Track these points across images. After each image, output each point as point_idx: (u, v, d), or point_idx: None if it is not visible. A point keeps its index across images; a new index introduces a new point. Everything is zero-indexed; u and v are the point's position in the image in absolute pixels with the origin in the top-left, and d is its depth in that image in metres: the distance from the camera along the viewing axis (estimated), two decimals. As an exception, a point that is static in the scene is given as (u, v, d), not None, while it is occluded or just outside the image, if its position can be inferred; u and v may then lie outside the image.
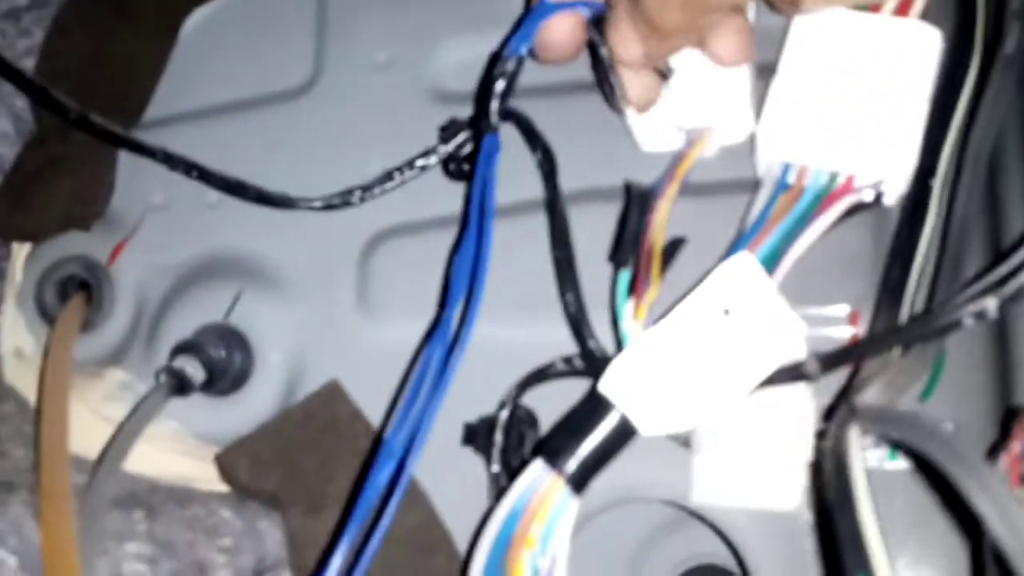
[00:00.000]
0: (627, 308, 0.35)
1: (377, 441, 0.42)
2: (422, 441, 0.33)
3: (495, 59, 0.38)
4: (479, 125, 0.40)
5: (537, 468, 0.32)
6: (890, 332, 0.32)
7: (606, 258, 0.40)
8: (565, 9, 0.37)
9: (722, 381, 0.32)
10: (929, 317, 0.29)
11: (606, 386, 0.32)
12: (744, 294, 0.32)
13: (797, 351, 0.33)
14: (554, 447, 0.32)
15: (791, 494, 0.36)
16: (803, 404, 0.36)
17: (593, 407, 0.32)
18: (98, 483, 0.37)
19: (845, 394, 0.32)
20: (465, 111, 0.45)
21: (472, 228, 0.36)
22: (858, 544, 0.24)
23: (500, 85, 0.37)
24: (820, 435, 0.35)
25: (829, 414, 0.36)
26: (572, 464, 0.32)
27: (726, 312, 0.32)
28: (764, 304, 0.32)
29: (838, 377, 0.37)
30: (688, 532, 0.45)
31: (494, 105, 0.37)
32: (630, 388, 0.32)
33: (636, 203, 0.37)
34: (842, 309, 0.38)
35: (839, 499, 0.26)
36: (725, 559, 0.44)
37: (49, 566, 0.33)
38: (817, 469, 0.36)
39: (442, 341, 0.34)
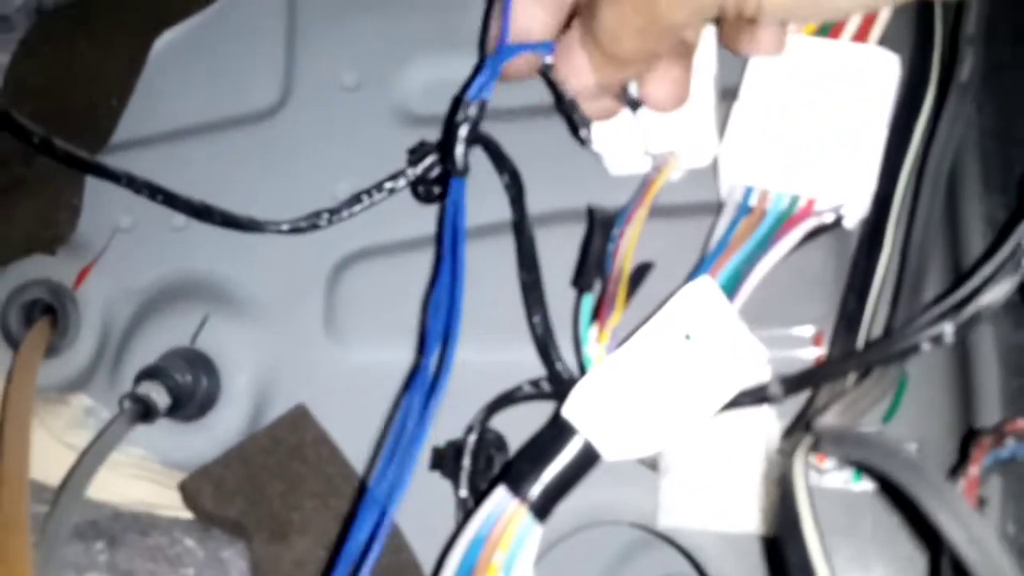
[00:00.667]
0: (590, 332, 0.35)
1: (352, 479, 0.41)
2: (404, 489, 0.33)
3: (457, 103, 0.37)
4: (445, 167, 0.40)
5: (500, 495, 0.32)
6: (850, 356, 0.32)
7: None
8: (526, 52, 0.36)
9: (684, 405, 0.32)
10: (888, 341, 0.29)
11: (569, 411, 0.32)
12: (705, 318, 0.32)
13: (758, 375, 0.33)
14: (517, 473, 0.32)
15: (756, 516, 0.36)
16: (767, 426, 0.37)
17: (556, 433, 0.32)
18: (59, 512, 0.37)
19: (801, 419, 0.32)
20: (433, 133, 0.46)
21: (445, 274, 0.36)
22: (807, 572, 0.24)
23: (464, 130, 0.37)
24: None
25: (786, 438, 0.36)
26: (535, 490, 0.31)
27: (687, 336, 0.32)
28: (725, 329, 0.32)
29: (802, 399, 0.37)
30: (656, 553, 0.45)
31: (459, 149, 0.37)
32: (593, 413, 0.32)
33: (599, 228, 0.37)
34: (807, 330, 0.39)
35: (786, 527, 0.26)
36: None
37: (6, 601, 0.33)
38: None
39: (421, 390, 0.34)
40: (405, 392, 0.36)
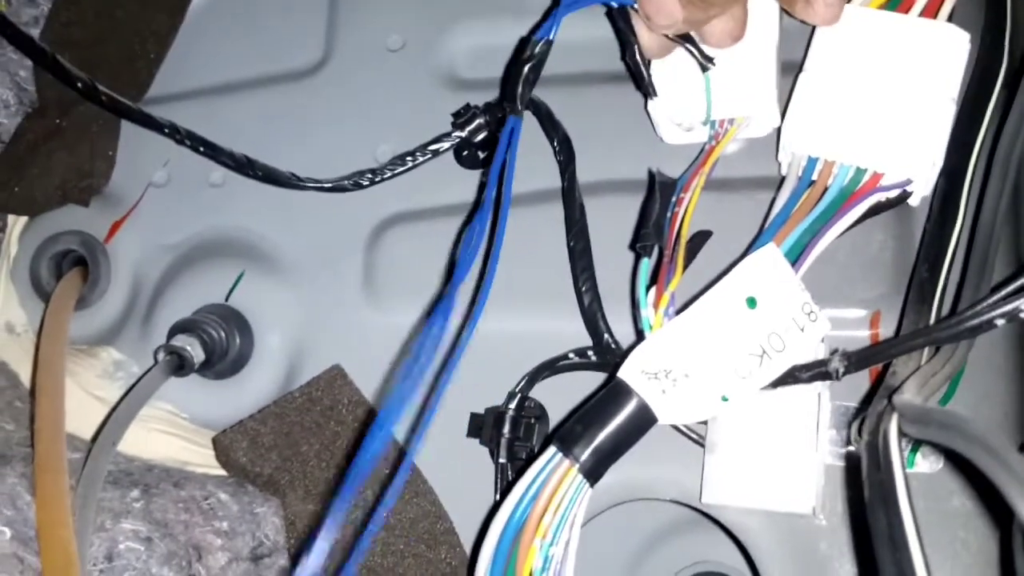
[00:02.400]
0: (649, 296, 0.34)
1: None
2: (428, 422, 0.32)
3: (524, 42, 0.37)
4: (504, 106, 0.39)
5: (551, 455, 0.31)
6: (920, 332, 0.31)
7: (624, 248, 0.40)
8: None
9: (743, 372, 0.31)
10: (960, 317, 0.28)
11: (627, 373, 0.31)
12: (769, 286, 0.32)
13: (818, 347, 0.32)
14: (569, 434, 0.31)
15: (805, 496, 0.35)
16: (819, 406, 0.36)
17: (612, 394, 0.31)
18: (95, 458, 0.36)
19: (878, 394, 0.31)
20: (477, 98, 0.45)
21: (487, 206, 0.35)
22: (896, 542, 0.24)
23: (527, 68, 0.36)
24: (856, 434, 0.35)
25: (859, 415, 0.35)
26: (587, 453, 0.31)
27: (750, 304, 0.31)
28: (789, 297, 0.32)
29: (857, 381, 0.36)
30: (690, 537, 0.44)
31: (520, 89, 0.37)
32: (651, 376, 0.31)
33: (660, 191, 0.36)
34: (863, 311, 0.38)
35: (877, 496, 0.25)
36: (725, 567, 0.44)
37: (44, 540, 0.32)
38: (853, 470, 0.35)
39: (443, 314, 0.33)
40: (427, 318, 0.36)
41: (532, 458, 0.33)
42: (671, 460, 0.38)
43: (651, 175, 0.37)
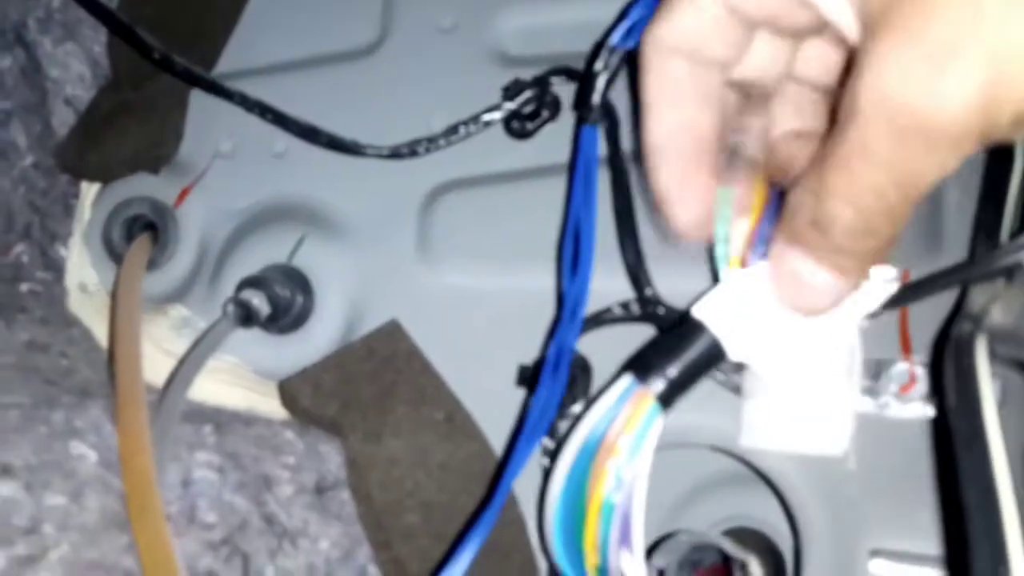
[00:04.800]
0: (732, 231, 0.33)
1: (442, 390, 0.43)
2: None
3: (599, 48, 0.38)
4: (578, 113, 0.41)
5: (627, 381, 0.32)
6: (946, 273, 0.33)
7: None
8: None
9: (814, 320, 0.32)
10: (992, 255, 0.30)
11: (700, 310, 0.33)
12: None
13: (886, 297, 0.33)
14: (645, 362, 0.32)
15: (838, 440, 0.37)
16: (852, 352, 0.38)
17: (686, 329, 0.33)
18: (170, 396, 0.39)
19: (956, 321, 0.32)
20: (526, 74, 0.47)
21: (576, 221, 0.38)
22: (978, 446, 0.25)
23: (602, 81, 0.38)
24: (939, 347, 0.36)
25: (941, 339, 0.36)
26: (661, 382, 0.32)
27: None
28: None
29: (892, 329, 0.38)
30: (727, 492, 0.46)
31: (596, 99, 0.38)
32: (726, 315, 0.32)
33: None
34: (892, 270, 0.40)
35: (961, 401, 0.27)
36: (762, 523, 0.46)
37: (126, 465, 0.35)
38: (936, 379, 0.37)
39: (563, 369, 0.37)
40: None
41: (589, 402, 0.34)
42: (710, 408, 0.40)
43: None
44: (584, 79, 0.42)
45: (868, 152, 0.25)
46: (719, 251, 0.33)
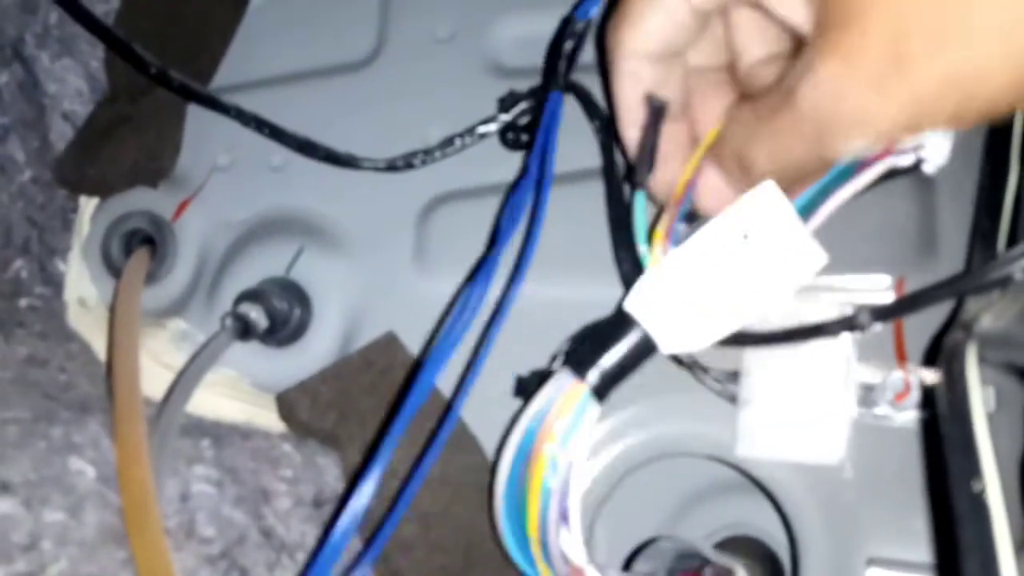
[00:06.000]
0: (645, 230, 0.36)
1: (440, 401, 0.43)
2: (474, 378, 0.35)
3: (566, 22, 0.39)
4: (546, 83, 0.42)
5: (562, 376, 0.34)
6: (940, 286, 0.33)
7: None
8: None
9: (740, 302, 0.33)
10: (983, 270, 0.30)
11: (631, 304, 0.34)
12: (766, 219, 0.33)
13: (813, 274, 0.34)
14: (579, 357, 0.34)
15: (834, 448, 0.38)
16: (847, 361, 0.38)
17: (617, 323, 0.34)
18: (168, 410, 0.39)
19: (951, 330, 0.33)
20: (523, 85, 0.48)
21: (532, 175, 0.38)
22: (968, 453, 0.26)
23: (569, 45, 0.39)
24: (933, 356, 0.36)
25: (934, 347, 0.36)
26: (594, 374, 0.34)
27: (745, 237, 0.33)
28: (785, 227, 0.33)
29: (880, 348, 0.38)
30: (726, 500, 0.46)
31: (562, 65, 0.39)
32: (653, 307, 0.34)
33: (652, 117, 0.36)
34: (889, 278, 0.40)
35: (951, 408, 0.27)
36: (760, 532, 0.46)
37: (124, 479, 0.35)
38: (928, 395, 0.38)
39: (487, 274, 0.37)
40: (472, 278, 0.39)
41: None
42: (705, 418, 0.40)
43: (648, 98, 0.37)
44: (551, 52, 0.44)
45: (797, 133, 0.30)
46: (639, 249, 0.36)
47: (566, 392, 0.34)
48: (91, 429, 0.36)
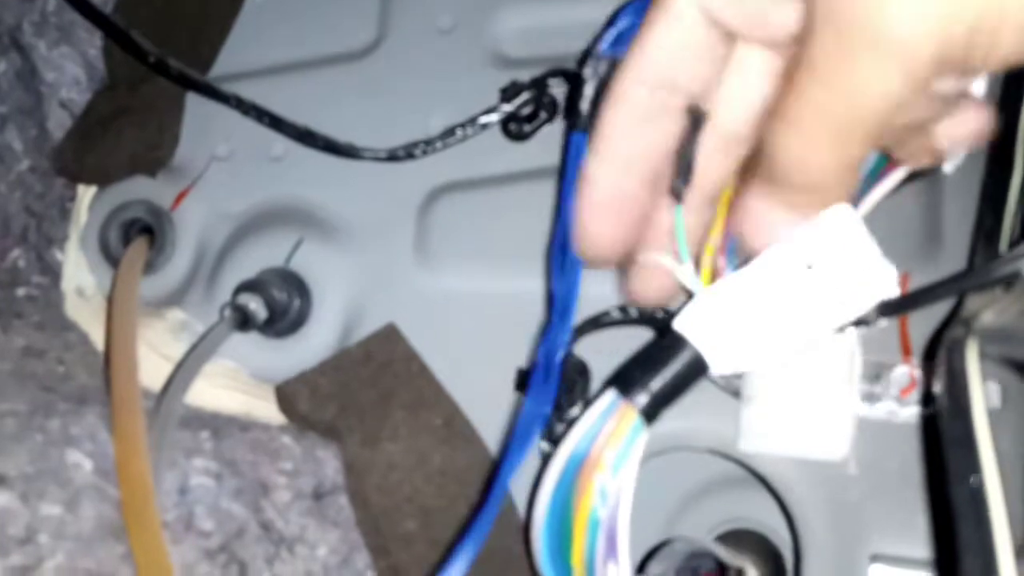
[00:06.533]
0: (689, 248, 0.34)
1: (440, 394, 0.43)
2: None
3: (586, 55, 0.38)
4: (568, 121, 0.41)
5: (610, 397, 0.32)
6: (945, 283, 0.33)
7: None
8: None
9: (799, 326, 0.32)
10: (987, 267, 0.30)
11: (682, 324, 0.32)
12: (837, 246, 0.31)
13: (889, 293, 0.32)
14: (628, 378, 0.32)
15: (838, 444, 0.37)
16: (852, 356, 0.38)
17: (668, 343, 0.32)
18: (167, 402, 0.38)
19: (950, 327, 0.32)
20: (524, 76, 0.47)
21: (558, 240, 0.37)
22: (968, 449, 0.25)
23: (591, 88, 0.37)
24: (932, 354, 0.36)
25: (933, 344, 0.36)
26: (644, 396, 0.32)
27: (810, 267, 0.31)
28: (857, 252, 0.32)
29: (891, 332, 0.38)
30: (730, 495, 0.46)
31: (584, 106, 0.38)
32: (705, 327, 0.32)
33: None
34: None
35: (951, 402, 0.27)
36: (763, 527, 0.46)
37: (122, 472, 0.35)
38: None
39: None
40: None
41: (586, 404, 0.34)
42: (708, 412, 0.40)
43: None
44: (573, 86, 0.42)
45: (815, 68, 0.25)
46: (687, 266, 0.34)
47: (615, 416, 0.32)
48: (89, 421, 0.36)
